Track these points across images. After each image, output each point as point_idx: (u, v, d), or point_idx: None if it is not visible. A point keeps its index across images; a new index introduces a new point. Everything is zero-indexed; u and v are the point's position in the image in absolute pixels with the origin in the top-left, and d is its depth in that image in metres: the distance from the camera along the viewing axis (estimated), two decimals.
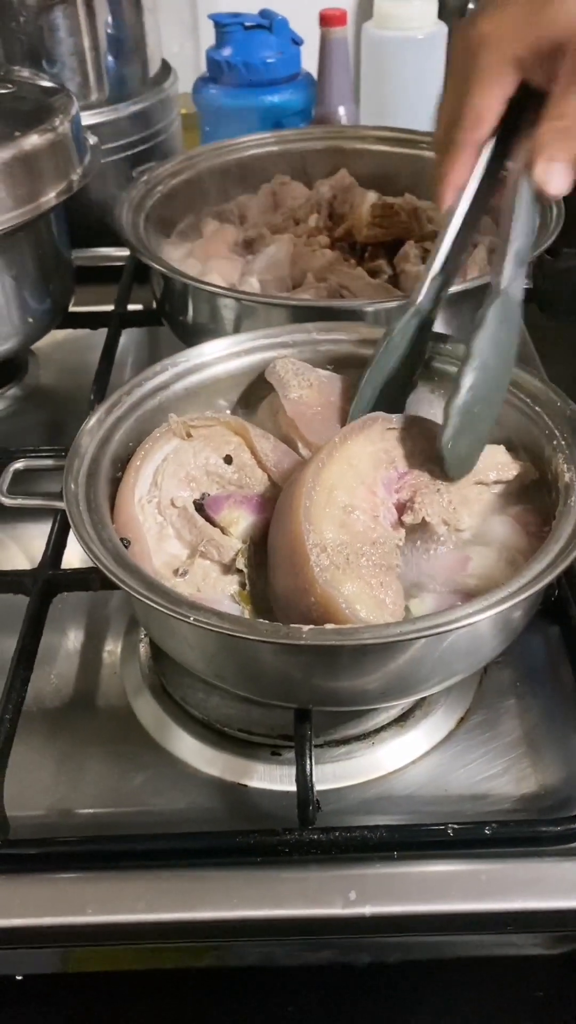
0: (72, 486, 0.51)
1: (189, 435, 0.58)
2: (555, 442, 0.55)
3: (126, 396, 0.59)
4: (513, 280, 0.56)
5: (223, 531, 0.53)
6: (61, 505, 0.51)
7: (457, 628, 0.44)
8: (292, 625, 0.44)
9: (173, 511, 0.54)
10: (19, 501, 0.55)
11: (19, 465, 0.57)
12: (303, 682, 0.50)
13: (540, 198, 0.55)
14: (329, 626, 0.45)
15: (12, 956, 0.51)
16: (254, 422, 0.61)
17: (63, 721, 0.59)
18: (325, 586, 0.47)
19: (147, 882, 0.49)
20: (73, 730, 0.58)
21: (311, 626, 0.44)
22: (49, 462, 0.58)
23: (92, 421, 0.56)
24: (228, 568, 0.52)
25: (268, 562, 0.52)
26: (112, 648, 0.63)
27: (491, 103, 0.56)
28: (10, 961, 0.51)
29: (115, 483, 0.55)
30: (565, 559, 0.47)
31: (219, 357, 0.63)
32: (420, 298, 0.60)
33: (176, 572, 0.52)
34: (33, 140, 0.72)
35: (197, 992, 0.54)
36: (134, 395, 0.59)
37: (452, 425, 0.54)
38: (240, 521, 0.53)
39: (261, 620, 0.46)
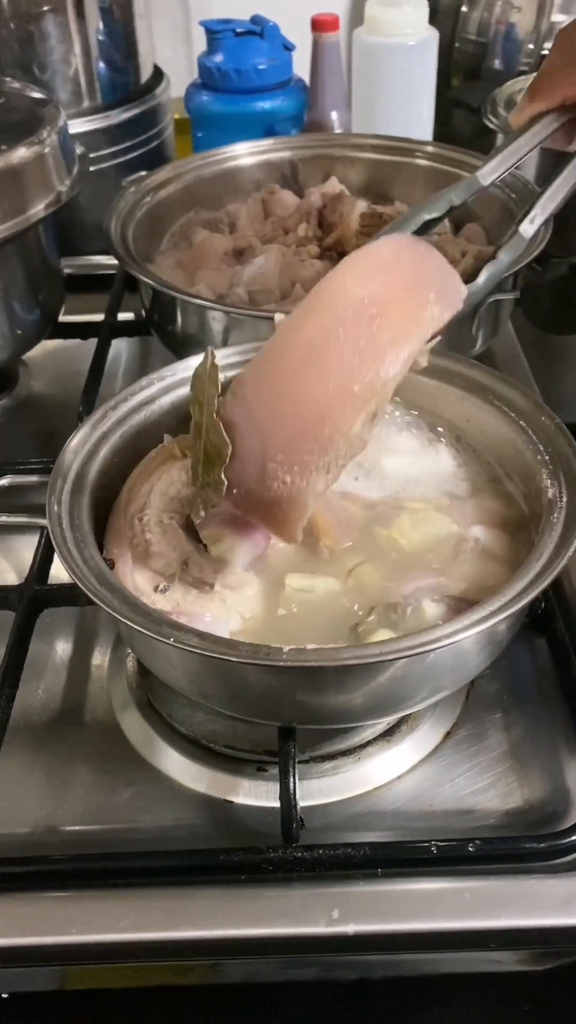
0: (55, 507, 0.51)
1: (184, 454, 0.58)
2: (538, 456, 0.55)
3: (112, 411, 0.59)
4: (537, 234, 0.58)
5: (207, 548, 0.53)
6: (45, 522, 0.51)
7: (439, 647, 0.44)
8: (272, 646, 0.44)
9: (161, 528, 0.54)
10: (3, 518, 0.55)
11: (4, 481, 0.57)
12: (286, 701, 0.50)
13: None
14: (310, 646, 0.45)
15: None
16: None
17: (50, 736, 0.59)
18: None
19: (132, 900, 0.48)
20: (60, 745, 0.58)
21: (291, 647, 0.44)
22: (35, 478, 0.58)
23: (76, 439, 0.56)
24: (210, 585, 0.52)
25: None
26: (99, 662, 0.63)
27: None
28: None
29: (100, 499, 0.55)
30: (548, 575, 0.48)
31: None
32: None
33: (156, 588, 0.52)
34: (21, 153, 0.72)
35: (184, 1009, 0.55)
36: (120, 410, 0.59)
37: None
38: (224, 539, 0.53)
39: (242, 641, 0.46)
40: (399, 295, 0.48)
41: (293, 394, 0.46)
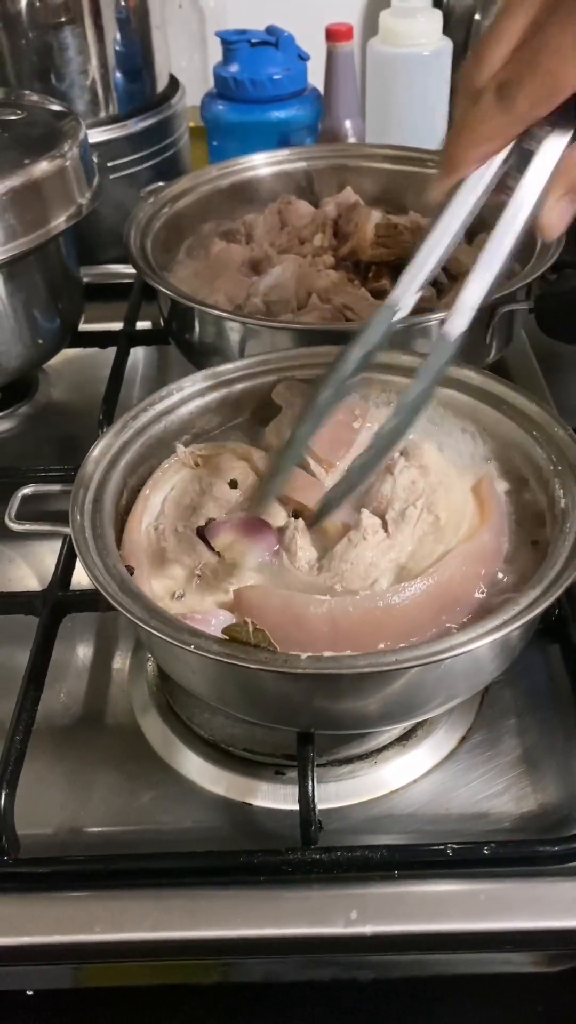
0: (78, 516, 0.53)
1: (197, 464, 0.59)
2: (552, 467, 0.56)
3: (132, 421, 0.60)
4: (465, 328, 0.50)
5: (219, 555, 0.54)
6: (68, 531, 0.52)
7: (454, 655, 0.45)
8: (290, 653, 0.45)
9: (176, 536, 0.55)
10: (27, 526, 0.56)
11: (27, 491, 0.59)
12: (303, 707, 0.51)
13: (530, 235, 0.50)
14: (327, 653, 0.46)
15: (22, 972, 0.52)
16: (262, 444, 0.63)
17: (72, 739, 0.60)
18: None
19: (154, 901, 0.50)
20: (82, 748, 0.60)
21: (308, 654, 0.45)
22: (57, 487, 0.59)
23: (97, 449, 0.58)
24: (224, 591, 0.53)
25: None
26: (120, 666, 0.65)
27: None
28: (20, 977, 0.53)
29: (121, 508, 0.56)
30: (562, 584, 0.48)
31: (224, 381, 0.64)
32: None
33: (173, 595, 0.53)
34: (43, 167, 0.73)
35: (205, 1007, 0.56)
36: (140, 420, 0.61)
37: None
38: (235, 546, 0.54)
39: (260, 647, 0.47)
40: None
41: None
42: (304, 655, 0.45)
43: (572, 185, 0.48)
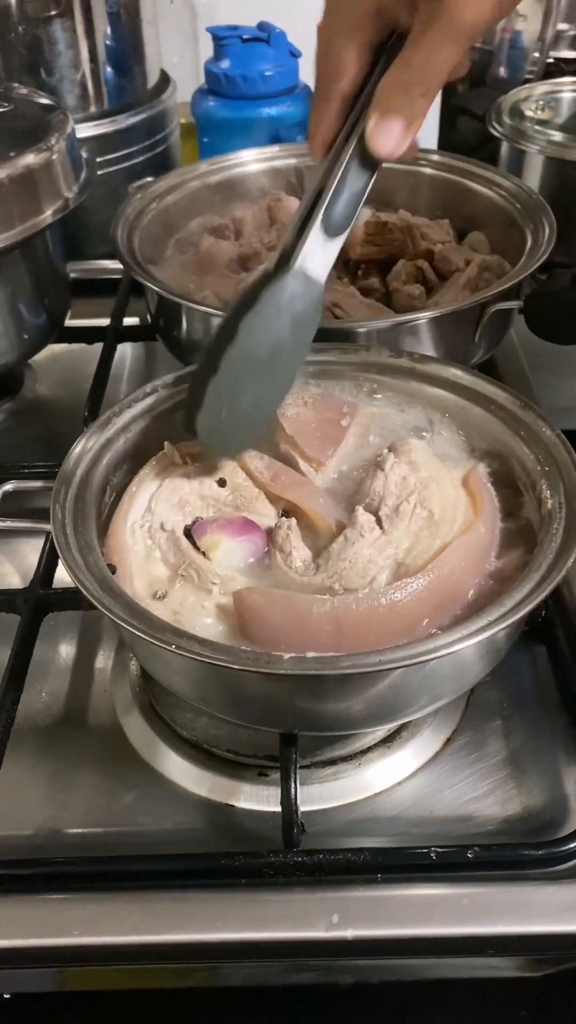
0: (59, 513, 0.52)
1: (185, 461, 0.58)
2: (539, 467, 0.55)
3: (115, 417, 0.60)
4: (314, 255, 0.50)
5: (205, 555, 0.54)
6: (49, 527, 0.51)
7: (438, 656, 0.45)
8: (272, 653, 0.45)
9: (162, 535, 0.55)
10: (8, 523, 0.56)
11: (9, 487, 0.58)
12: (286, 708, 0.50)
13: (367, 159, 0.51)
14: (310, 654, 0.46)
15: (0, 976, 0.51)
16: None
17: (53, 739, 0.60)
18: None
19: (134, 904, 0.49)
20: (63, 748, 0.59)
21: (291, 654, 0.45)
22: (39, 483, 0.58)
23: (80, 446, 0.57)
24: (207, 591, 0.53)
25: None
26: (103, 666, 0.64)
27: (350, 53, 0.52)
28: None
29: (105, 506, 0.56)
30: (548, 585, 0.48)
31: None
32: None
33: (155, 595, 0.52)
34: (29, 160, 0.72)
35: (184, 1010, 0.55)
36: (123, 416, 0.60)
37: (206, 402, 0.52)
38: (220, 545, 0.54)
39: (242, 647, 0.46)
40: None
41: None
42: (287, 655, 0.44)
43: (384, 104, 0.50)
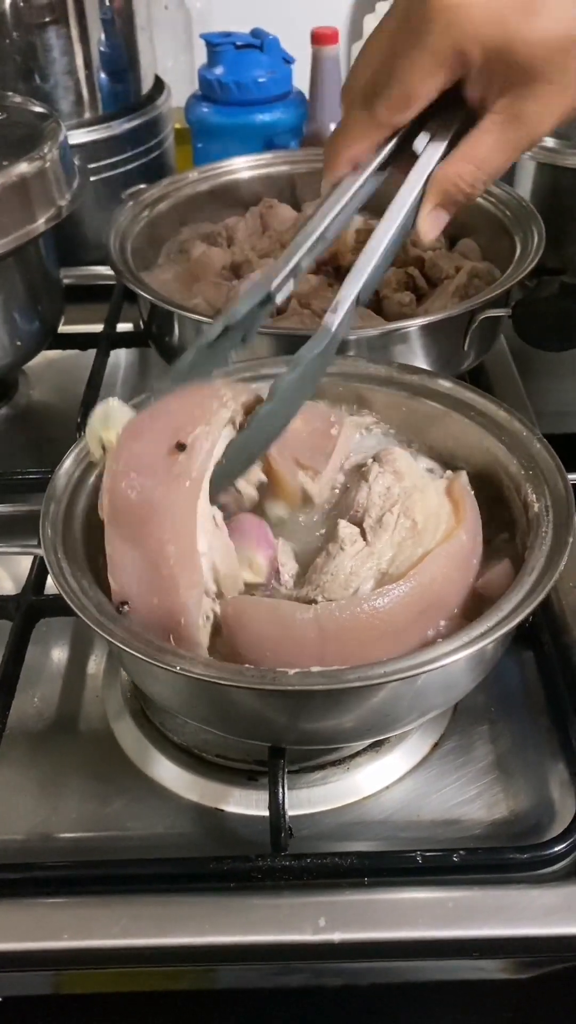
0: (49, 531, 0.52)
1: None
2: (523, 472, 0.56)
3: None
4: (347, 323, 0.52)
5: None
6: (40, 551, 0.51)
7: (431, 670, 0.45)
8: (277, 670, 0.45)
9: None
10: None
11: None
12: (278, 723, 0.51)
13: (405, 235, 0.53)
14: (315, 668, 0.46)
15: None
16: None
17: (45, 744, 0.60)
18: None
19: (124, 907, 0.50)
20: (54, 753, 0.59)
21: (296, 670, 0.45)
22: (25, 507, 0.58)
23: (67, 462, 0.57)
24: None
25: None
26: (94, 671, 0.65)
27: (427, 90, 0.51)
28: None
29: (92, 526, 0.56)
30: (540, 592, 0.48)
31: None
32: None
33: None
34: (22, 168, 0.73)
35: (175, 1013, 0.55)
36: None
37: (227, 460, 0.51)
38: (255, 560, 0.54)
39: (247, 667, 0.47)
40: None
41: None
42: (292, 671, 0.45)
43: (443, 197, 0.53)
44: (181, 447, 0.48)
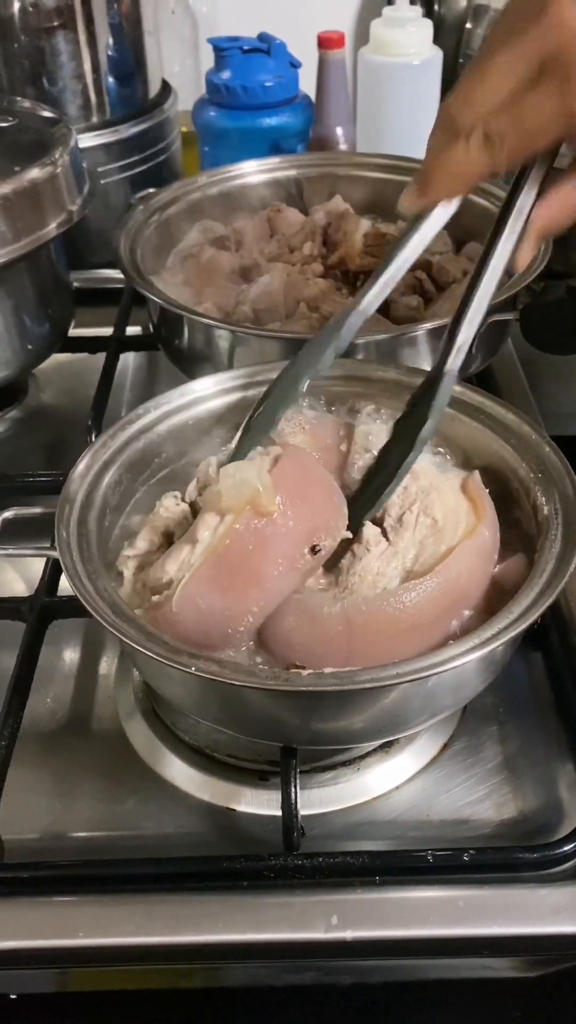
0: (64, 533, 0.52)
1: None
2: (532, 475, 0.56)
3: (111, 440, 0.60)
4: (462, 363, 0.56)
5: None
6: (54, 553, 0.52)
7: (441, 671, 0.46)
8: (291, 671, 0.46)
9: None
10: (9, 551, 0.56)
11: (9, 514, 0.58)
12: (291, 723, 0.51)
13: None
14: (328, 670, 0.47)
15: (6, 976, 0.53)
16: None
17: (58, 744, 0.61)
18: None
19: (137, 906, 0.50)
20: (67, 753, 0.60)
21: (310, 671, 0.46)
22: (39, 509, 0.58)
23: (81, 466, 0.57)
24: None
25: None
26: (106, 672, 0.65)
27: (554, 140, 0.50)
28: (4, 981, 0.53)
29: (105, 530, 0.56)
30: (550, 594, 0.49)
31: (204, 396, 0.64)
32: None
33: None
34: (33, 174, 0.74)
35: (186, 1010, 0.56)
36: (119, 438, 0.60)
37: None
38: None
39: (261, 667, 0.47)
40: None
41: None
42: (305, 671, 0.46)
43: (541, 235, 0.55)
44: (315, 551, 0.51)
